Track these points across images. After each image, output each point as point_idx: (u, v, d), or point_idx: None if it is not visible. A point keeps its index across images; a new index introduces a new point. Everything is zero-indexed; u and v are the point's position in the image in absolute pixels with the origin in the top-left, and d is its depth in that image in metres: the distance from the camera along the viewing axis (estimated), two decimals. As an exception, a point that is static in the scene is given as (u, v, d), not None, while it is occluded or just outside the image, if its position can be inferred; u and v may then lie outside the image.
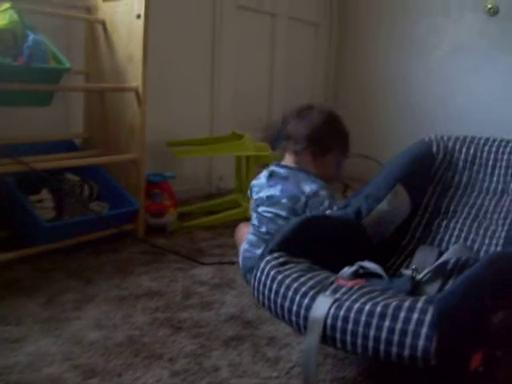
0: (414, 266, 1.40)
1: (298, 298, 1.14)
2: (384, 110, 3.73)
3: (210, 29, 3.01)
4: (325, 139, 1.78)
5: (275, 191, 1.77)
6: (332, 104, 3.98)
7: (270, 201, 1.77)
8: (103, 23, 2.27)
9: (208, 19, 2.99)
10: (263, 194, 1.79)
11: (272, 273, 1.24)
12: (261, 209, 1.79)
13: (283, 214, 1.73)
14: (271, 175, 1.81)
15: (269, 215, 1.76)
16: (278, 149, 1.90)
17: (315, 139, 1.76)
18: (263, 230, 1.77)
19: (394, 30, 3.67)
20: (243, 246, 1.82)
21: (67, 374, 1.23)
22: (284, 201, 1.73)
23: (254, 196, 1.84)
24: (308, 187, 1.72)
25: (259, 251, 1.69)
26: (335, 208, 1.72)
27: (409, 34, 3.60)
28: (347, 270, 1.29)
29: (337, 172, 1.87)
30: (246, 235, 1.84)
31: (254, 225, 1.81)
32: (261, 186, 1.83)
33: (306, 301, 1.12)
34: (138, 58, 2.13)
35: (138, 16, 2.11)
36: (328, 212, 1.61)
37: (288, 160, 1.82)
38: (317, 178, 1.76)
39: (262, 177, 1.84)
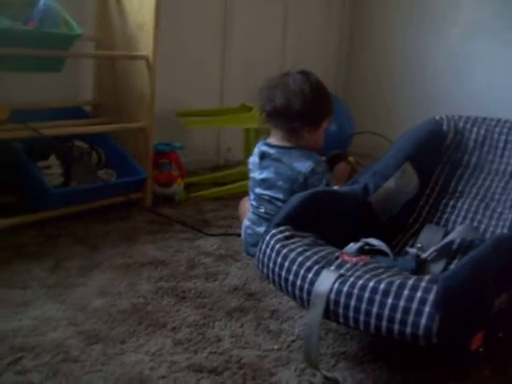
0: (419, 245, 1.40)
1: (302, 272, 1.14)
2: (398, 86, 3.68)
3: (222, -2, 2.98)
4: (318, 111, 1.72)
5: (269, 174, 1.73)
6: (345, 78, 3.95)
7: (266, 184, 1.74)
8: (115, -11, 2.24)
9: (220, -12, 2.95)
10: (257, 176, 1.76)
11: (277, 246, 1.24)
12: (257, 190, 1.77)
13: (281, 196, 1.71)
14: (263, 156, 1.75)
15: (266, 198, 1.74)
16: (264, 124, 1.79)
17: (309, 113, 1.68)
18: (262, 210, 1.76)
19: (411, 2, 3.61)
20: (245, 223, 1.82)
21: (71, 340, 1.25)
22: (280, 183, 1.71)
23: (251, 175, 1.81)
24: (303, 166, 1.68)
25: (260, 229, 1.69)
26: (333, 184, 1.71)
27: (428, 7, 3.54)
28: (352, 246, 1.29)
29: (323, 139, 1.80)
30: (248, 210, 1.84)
31: (252, 205, 1.80)
32: (254, 165, 1.79)
33: (310, 275, 1.12)
34: (149, 25, 2.11)
35: (150, -17, 2.07)
36: (336, 187, 1.60)
37: (278, 137, 1.74)
38: (310, 152, 1.72)
39: (255, 155, 1.79)
